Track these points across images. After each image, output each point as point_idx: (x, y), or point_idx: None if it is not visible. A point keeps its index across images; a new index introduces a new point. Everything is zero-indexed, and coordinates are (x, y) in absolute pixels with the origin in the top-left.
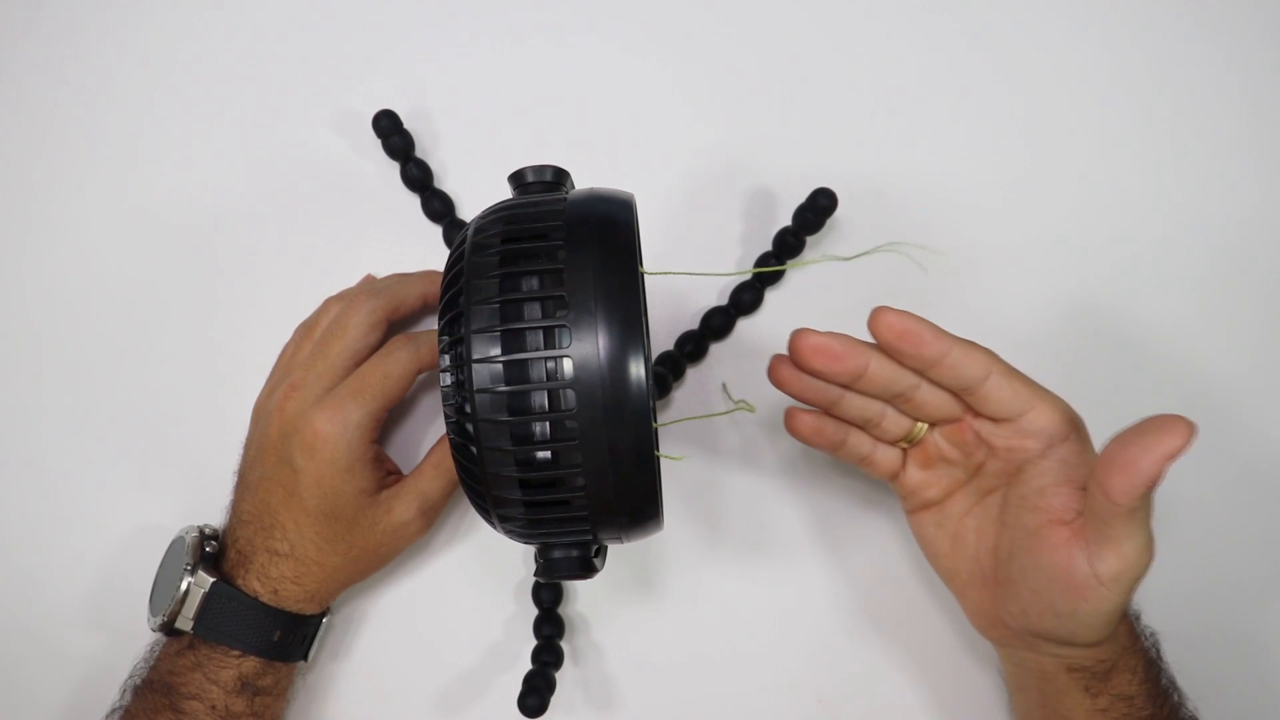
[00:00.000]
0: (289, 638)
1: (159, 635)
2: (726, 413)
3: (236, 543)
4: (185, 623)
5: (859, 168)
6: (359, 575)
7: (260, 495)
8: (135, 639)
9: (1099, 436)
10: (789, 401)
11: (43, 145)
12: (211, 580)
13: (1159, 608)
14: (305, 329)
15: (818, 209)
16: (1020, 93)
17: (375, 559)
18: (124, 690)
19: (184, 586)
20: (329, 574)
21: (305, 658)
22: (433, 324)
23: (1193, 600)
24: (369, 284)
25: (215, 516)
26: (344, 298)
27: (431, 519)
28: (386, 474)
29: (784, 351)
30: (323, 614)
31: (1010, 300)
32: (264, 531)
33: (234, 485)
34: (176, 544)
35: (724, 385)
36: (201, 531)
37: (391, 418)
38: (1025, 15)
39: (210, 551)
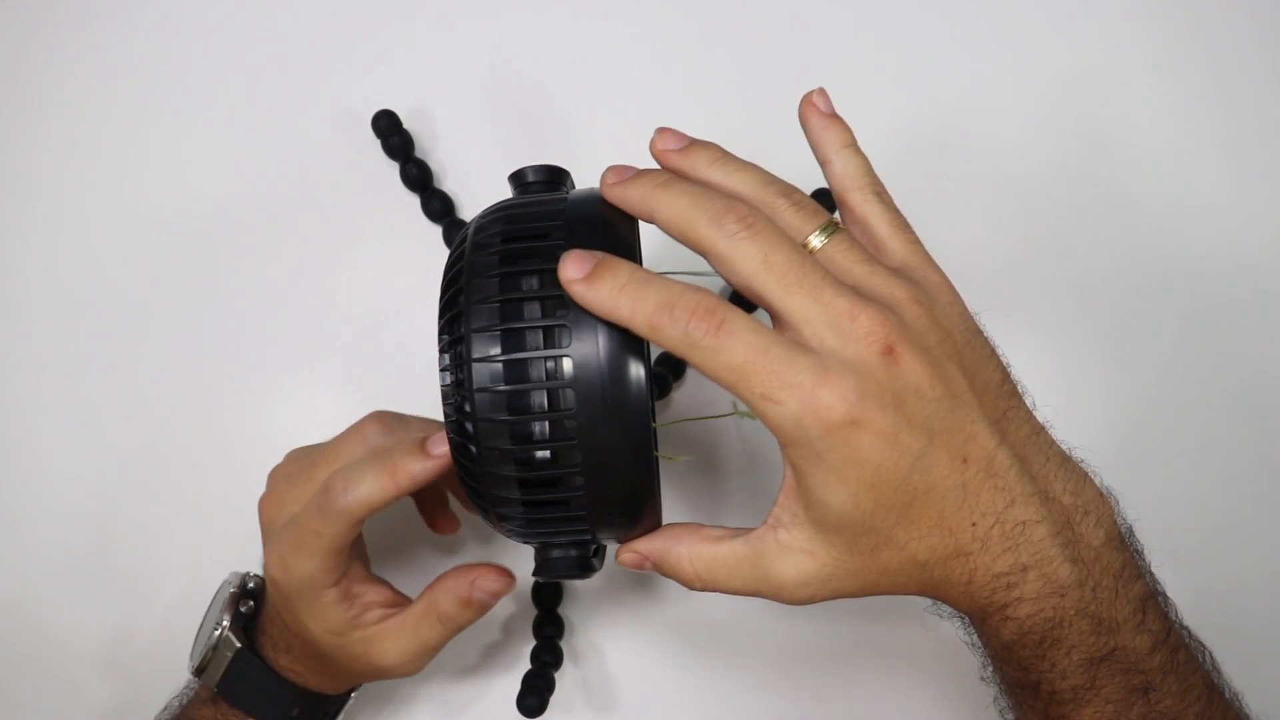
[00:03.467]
0: (309, 715)
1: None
2: (726, 415)
3: (266, 609)
4: (211, 680)
5: None
6: (361, 681)
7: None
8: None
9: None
10: None
11: (42, 146)
12: (238, 645)
13: None
14: (349, 435)
15: None
16: (1020, 94)
17: (364, 679)
18: None
19: (214, 641)
20: (331, 681)
21: None
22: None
23: None
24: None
25: (203, 527)
26: (379, 458)
27: (424, 662)
28: (364, 610)
29: None
30: (347, 693)
31: (1010, 305)
32: (278, 619)
33: None
34: (222, 589)
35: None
36: (243, 584)
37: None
38: (1024, 14)
39: (245, 611)
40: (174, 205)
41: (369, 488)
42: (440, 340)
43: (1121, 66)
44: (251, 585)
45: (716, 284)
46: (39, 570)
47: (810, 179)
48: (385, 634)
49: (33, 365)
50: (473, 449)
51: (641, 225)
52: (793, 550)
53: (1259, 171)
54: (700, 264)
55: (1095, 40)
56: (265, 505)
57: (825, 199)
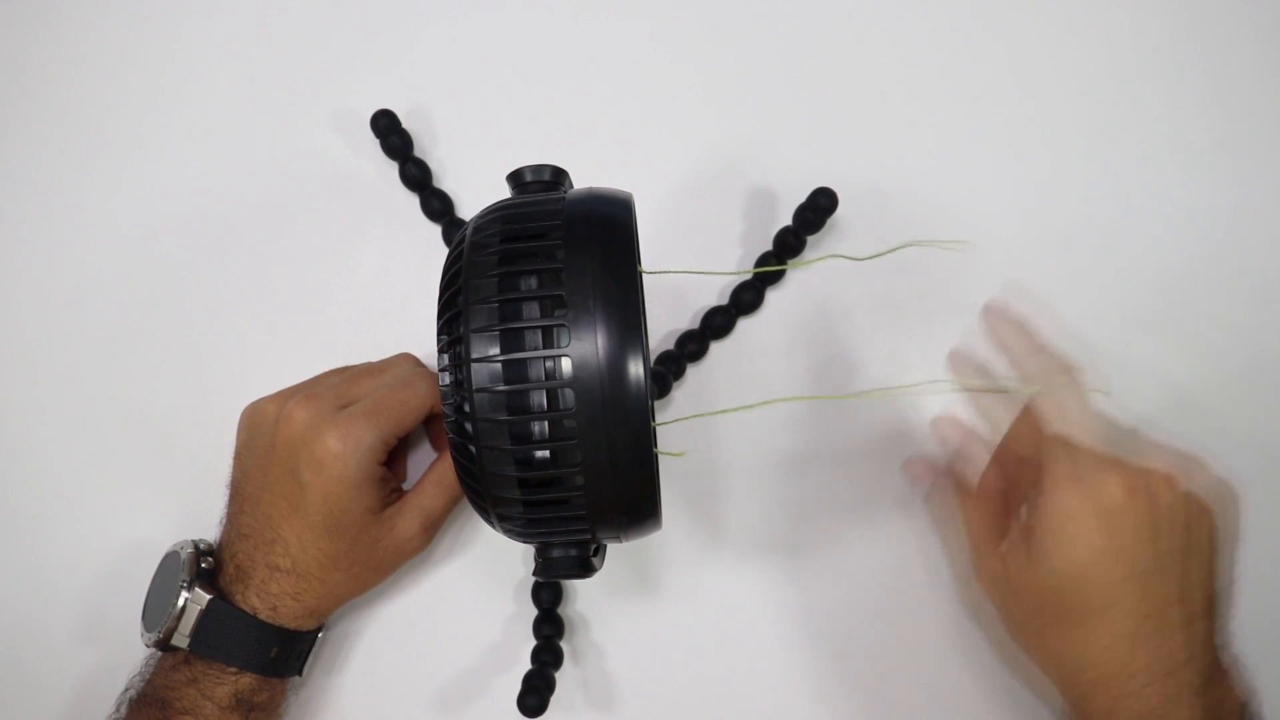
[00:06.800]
0: (286, 654)
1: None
2: (727, 411)
3: (235, 557)
4: (181, 639)
5: (859, 167)
6: (359, 590)
7: (262, 508)
8: (129, 652)
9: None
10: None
11: (45, 145)
12: (208, 598)
13: None
14: (387, 361)
15: (818, 208)
16: (1019, 92)
17: (377, 574)
18: (119, 704)
19: (180, 603)
20: (330, 589)
21: (300, 673)
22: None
23: None
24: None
25: (206, 526)
26: (425, 375)
27: (433, 533)
28: (390, 491)
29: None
30: (318, 629)
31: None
32: (264, 546)
33: (228, 498)
34: (170, 559)
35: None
36: (196, 546)
37: None
38: (1025, 14)
39: (206, 568)
40: (174, 205)
41: (424, 391)
42: (439, 340)
43: (1124, 65)
44: (204, 546)
45: (716, 283)
46: (39, 570)
47: (811, 179)
48: (406, 507)
49: (32, 365)
50: (472, 449)
51: (637, 219)
52: None
53: (1260, 171)
54: (699, 265)
55: (1096, 39)
56: (302, 405)
57: (825, 197)
